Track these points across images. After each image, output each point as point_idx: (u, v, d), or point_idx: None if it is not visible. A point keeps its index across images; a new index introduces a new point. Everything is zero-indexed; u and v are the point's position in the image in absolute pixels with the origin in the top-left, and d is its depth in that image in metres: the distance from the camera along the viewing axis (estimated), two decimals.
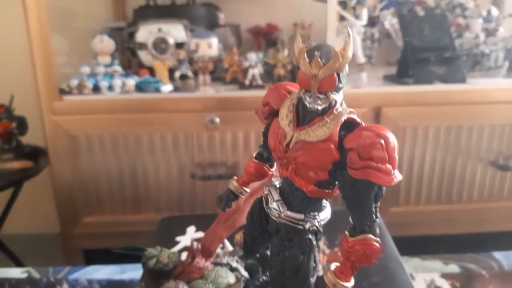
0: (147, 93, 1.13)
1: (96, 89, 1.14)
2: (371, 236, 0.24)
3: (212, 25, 1.35)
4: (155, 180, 1.11)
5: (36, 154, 1.35)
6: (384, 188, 0.25)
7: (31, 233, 1.63)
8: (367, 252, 0.24)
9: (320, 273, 0.27)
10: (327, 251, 0.51)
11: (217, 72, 1.26)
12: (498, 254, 0.75)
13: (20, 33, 1.16)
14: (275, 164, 0.32)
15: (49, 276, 0.72)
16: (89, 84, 1.13)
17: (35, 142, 1.31)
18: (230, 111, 1.09)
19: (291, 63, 1.13)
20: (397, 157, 0.23)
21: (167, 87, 1.15)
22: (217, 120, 1.09)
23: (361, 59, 1.22)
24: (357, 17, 1.19)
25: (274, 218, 0.28)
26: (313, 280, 0.27)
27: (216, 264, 0.42)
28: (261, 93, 1.10)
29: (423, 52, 1.20)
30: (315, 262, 0.27)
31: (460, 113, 1.14)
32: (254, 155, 0.32)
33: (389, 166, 0.22)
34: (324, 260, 0.49)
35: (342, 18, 1.18)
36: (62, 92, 1.11)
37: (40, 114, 1.09)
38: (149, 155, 1.09)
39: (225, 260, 0.42)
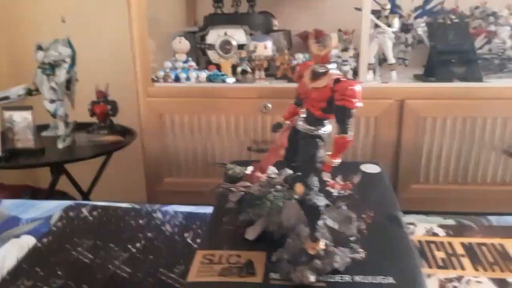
0: (215, 84, 1.44)
1: (177, 79, 1.49)
2: (346, 135, 0.50)
3: (267, 30, 1.65)
4: (220, 150, 1.41)
5: (125, 132, 1.70)
6: (352, 110, 0.50)
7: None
8: (344, 143, 0.51)
9: None
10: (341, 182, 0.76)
11: (270, 69, 1.54)
12: (491, 217, 0.89)
13: (121, 38, 1.50)
14: (302, 108, 0.59)
15: (147, 208, 1.04)
16: (172, 75, 1.47)
17: (124, 123, 1.66)
18: (281, 99, 1.37)
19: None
20: (359, 95, 0.48)
21: (231, 80, 1.47)
22: (270, 105, 1.38)
23: (392, 60, 1.47)
24: (389, 25, 1.43)
25: (300, 129, 0.55)
26: (319, 165, 0.54)
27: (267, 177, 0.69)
28: None
29: (446, 55, 1.42)
30: (320, 154, 0.54)
31: (476, 107, 1.36)
32: (293, 103, 0.59)
33: (354, 100, 0.49)
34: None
35: (376, 26, 1.42)
36: (152, 80, 1.45)
37: (135, 98, 1.43)
38: (216, 131, 1.40)
39: (272, 175, 0.70)
